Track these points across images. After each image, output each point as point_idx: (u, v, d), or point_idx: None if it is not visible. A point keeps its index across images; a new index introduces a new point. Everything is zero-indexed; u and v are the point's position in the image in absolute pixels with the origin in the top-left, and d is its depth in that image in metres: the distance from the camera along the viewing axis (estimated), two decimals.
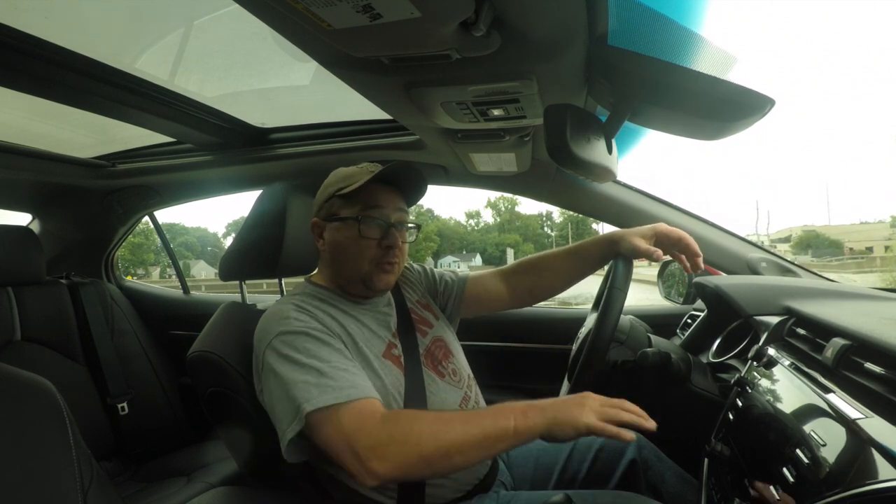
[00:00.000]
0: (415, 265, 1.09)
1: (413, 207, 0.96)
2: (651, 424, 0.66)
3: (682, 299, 1.40)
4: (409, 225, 0.90)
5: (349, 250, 0.84)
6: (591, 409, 0.65)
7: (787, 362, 0.73)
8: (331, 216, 0.86)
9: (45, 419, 0.54)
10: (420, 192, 0.92)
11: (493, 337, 1.59)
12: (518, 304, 1.07)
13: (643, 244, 0.89)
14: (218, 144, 1.46)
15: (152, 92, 1.13)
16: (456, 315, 1.07)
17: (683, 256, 0.93)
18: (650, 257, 0.89)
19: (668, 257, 0.94)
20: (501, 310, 1.09)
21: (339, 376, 0.69)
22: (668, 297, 1.47)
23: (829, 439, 0.50)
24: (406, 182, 0.89)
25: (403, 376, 0.82)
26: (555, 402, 0.67)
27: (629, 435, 0.64)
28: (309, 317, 0.78)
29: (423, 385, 0.84)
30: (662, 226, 0.92)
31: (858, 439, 0.47)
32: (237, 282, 1.22)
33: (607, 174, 0.88)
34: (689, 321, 1.27)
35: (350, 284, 0.88)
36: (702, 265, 0.92)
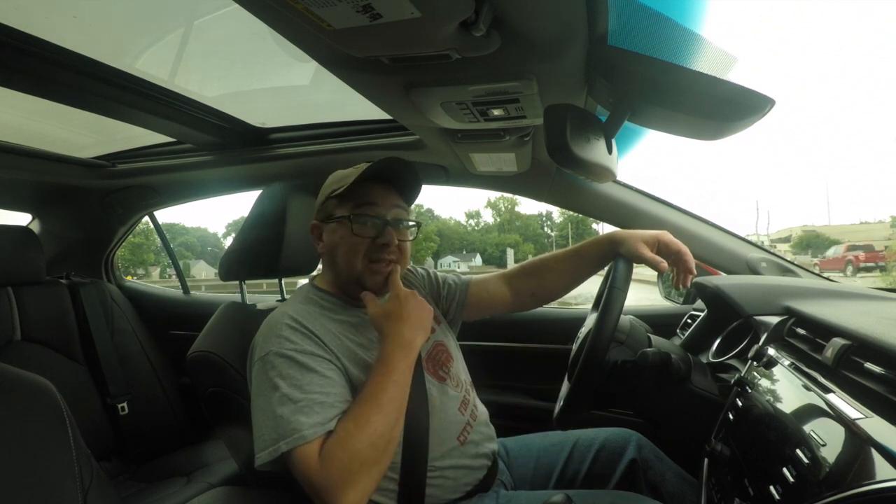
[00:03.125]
0: (418, 269, 1.08)
1: (413, 207, 0.95)
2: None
3: (682, 299, 1.40)
4: (410, 223, 0.89)
5: (342, 249, 0.84)
6: (412, 323, 0.76)
7: (787, 362, 0.73)
8: (327, 217, 0.87)
9: (45, 419, 0.54)
10: (414, 186, 0.91)
11: (492, 337, 1.59)
12: (520, 307, 1.07)
13: (648, 252, 0.89)
14: (218, 144, 1.46)
15: (152, 92, 1.13)
16: (458, 319, 1.07)
17: (675, 269, 0.93)
18: (655, 267, 0.89)
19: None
20: (504, 313, 1.09)
21: (311, 411, 0.69)
22: (668, 297, 1.47)
23: (829, 439, 0.50)
24: (400, 178, 0.88)
25: None
26: (409, 320, 0.77)
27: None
28: (302, 335, 0.76)
29: (424, 390, 0.84)
30: (666, 235, 0.91)
31: (858, 439, 0.47)
32: (237, 282, 1.22)
33: (607, 174, 0.88)
34: (689, 321, 1.27)
35: (347, 286, 0.87)
36: (688, 284, 0.92)
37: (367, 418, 0.67)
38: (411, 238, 0.90)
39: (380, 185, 0.86)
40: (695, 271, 0.92)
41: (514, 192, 1.55)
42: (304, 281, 0.98)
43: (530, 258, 1.10)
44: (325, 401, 0.71)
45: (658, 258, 0.89)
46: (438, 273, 1.09)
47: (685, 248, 0.91)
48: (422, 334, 0.77)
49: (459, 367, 0.96)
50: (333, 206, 0.86)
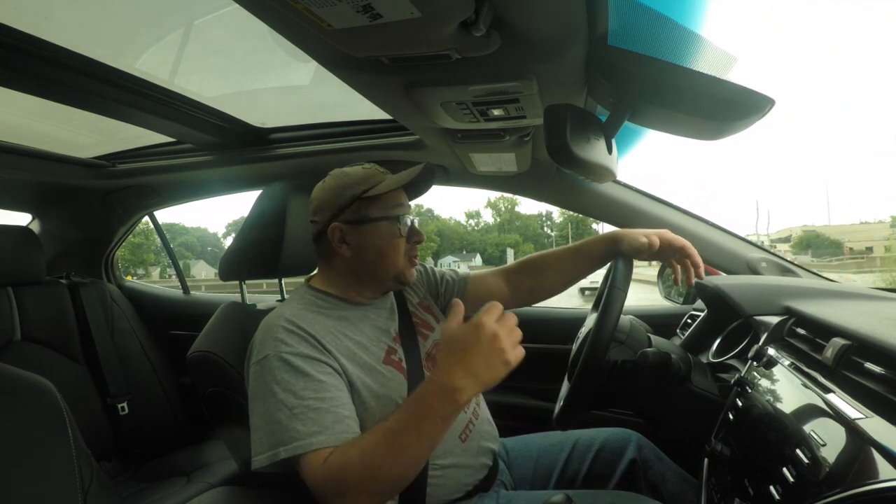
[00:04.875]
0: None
1: (413, 207, 0.98)
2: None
3: (682, 299, 1.40)
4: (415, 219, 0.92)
5: (386, 250, 0.85)
6: (508, 353, 0.64)
7: (787, 362, 0.73)
8: (359, 220, 0.85)
9: (45, 419, 0.54)
10: (424, 191, 0.95)
11: None
12: (519, 303, 1.07)
13: (643, 238, 0.90)
14: (218, 144, 1.46)
15: (152, 92, 1.13)
16: None
17: (679, 267, 0.94)
18: (648, 248, 0.90)
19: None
20: None
21: (307, 418, 0.69)
22: (668, 297, 1.47)
23: (829, 439, 0.50)
24: (417, 183, 0.90)
25: (406, 381, 0.82)
26: (469, 365, 0.63)
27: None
28: (299, 337, 0.76)
29: None
30: (667, 232, 0.93)
31: (858, 439, 0.47)
32: (237, 282, 1.22)
33: (607, 174, 0.88)
34: (689, 321, 1.27)
35: (381, 283, 0.89)
36: (702, 275, 0.93)
37: (374, 456, 0.65)
38: None
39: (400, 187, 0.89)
40: (702, 265, 0.92)
41: (514, 192, 1.55)
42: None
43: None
44: (321, 406, 0.70)
45: (651, 240, 0.90)
46: (437, 269, 1.10)
47: (688, 243, 0.92)
48: (475, 386, 0.63)
49: None
50: (366, 208, 0.85)
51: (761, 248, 1.34)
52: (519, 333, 0.67)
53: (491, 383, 0.64)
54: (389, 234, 0.85)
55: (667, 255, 0.93)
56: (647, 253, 0.91)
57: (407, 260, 0.88)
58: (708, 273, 1.31)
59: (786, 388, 0.67)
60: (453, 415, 0.64)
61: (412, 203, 0.95)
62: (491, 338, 0.63)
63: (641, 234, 0.92)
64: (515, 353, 0.65)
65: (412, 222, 0.89)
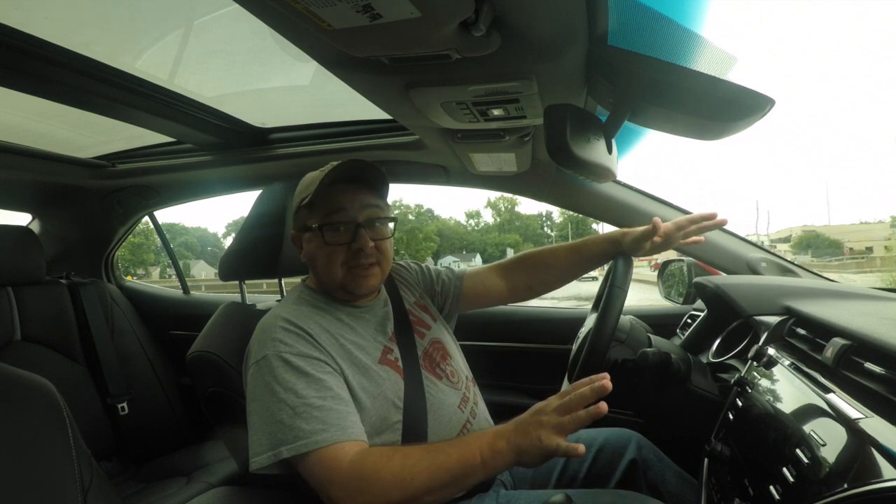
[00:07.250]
0: (412, 264, 1.08)
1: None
2: (602, 407, 0.61)
3: (682, 299, 1.40)
4: (384, 220, 0.86)
5: (320, 259, 0.83)
6: (551, 427, 0.62)
7: (787, 362, 0.73)
8: (302, 227, 0.86)
9: (45, 419, 0.54)
10: (383, 181, 0.88)
11: (492, 337, 1.60)
12: (516, 299, 1.09)
13: (641, 227, 0.92)
14: (218, 144, 1.47)
15: (152, 92, 1.13)
16: (454, 313, 1.07)
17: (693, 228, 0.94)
18: (651, 232, 0.91)
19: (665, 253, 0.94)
20: (499, 304, 1.11)
21: (310, 416, 0.69)
22: (668, 297, 1.47)
23: (829, 439, 0.50)
24: (367, 176, 0.86)
25: (402, 380, 0.82)
26: (517, 427, 0.65)
27: (580, 449, 0.61)
28: (297, 336, 0.76)
29: (422, 388, 0.84)
30: (658, 221, 0.93)
31: (858, 439, 0.47)
32: (237, 282, 1.22)
33: (607, 174, 0.88)
34: (689, 321, 1.27)
35: (334, 291, 0.87)
36: (710, 224, 0.94)
37: (404, 466, 0.66)
38: (389, 235, 0.88)
39: (348, 187, 0.83)
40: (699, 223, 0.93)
41: (514, 192, 1.55)
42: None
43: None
44: (324, 405, 0.71)
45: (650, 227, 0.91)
46: (432, 267, 1.09)
47: (679, 219, 0.94)
48: (510, 451, 0.64)
49: (459, 364, 0.96)
50: (305, 216, 0.84)
51: (761, 248, 1.34)
52: (576, 417, 0.61)
53: (525, 447, 0.63)
54: (320, 243, 0.82)
55: (670, 241, 0.94)
56: (651, 239, 0.91)
57: (346, 270, 0.82)
58: (708, 273, 1.31)
59: (786, 388, 0.67)
60: (492, 463, 0.65)
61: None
62: (538, 408, 0.65)
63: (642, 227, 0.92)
64: (558, 428, 0.61)
65: (359, 229, 0.81)
